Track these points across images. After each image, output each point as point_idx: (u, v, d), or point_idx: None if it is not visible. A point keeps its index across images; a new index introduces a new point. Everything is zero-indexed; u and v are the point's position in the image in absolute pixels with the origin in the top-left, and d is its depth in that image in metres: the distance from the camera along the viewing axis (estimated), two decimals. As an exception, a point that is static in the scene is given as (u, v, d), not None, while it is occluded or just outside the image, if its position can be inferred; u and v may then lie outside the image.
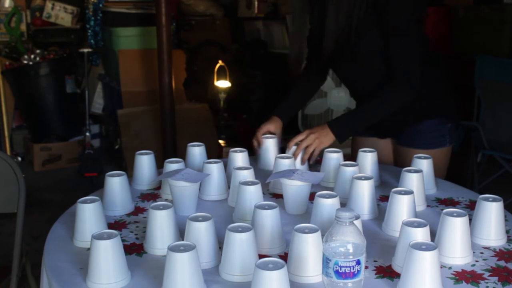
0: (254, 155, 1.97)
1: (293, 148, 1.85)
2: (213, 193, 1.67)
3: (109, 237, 1.19)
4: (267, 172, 1.81)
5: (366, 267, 1.24)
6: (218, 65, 5.01)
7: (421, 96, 1.88)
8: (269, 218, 1.32)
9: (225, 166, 1.76)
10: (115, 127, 4.55)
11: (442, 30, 5.44)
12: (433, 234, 1.31)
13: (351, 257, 1.07)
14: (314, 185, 1.63)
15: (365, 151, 1.80)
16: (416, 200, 1.46)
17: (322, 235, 1.15)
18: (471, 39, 5.27)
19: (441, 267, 1.17)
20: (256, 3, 6.00)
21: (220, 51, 5.52)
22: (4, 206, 1.92)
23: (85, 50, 4.46)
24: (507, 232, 1.42)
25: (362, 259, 1.09)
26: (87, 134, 4.44)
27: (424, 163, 1.73)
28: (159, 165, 1.80)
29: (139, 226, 1.49)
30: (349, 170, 1.65)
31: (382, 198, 1.68)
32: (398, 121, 1.98)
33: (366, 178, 1.54)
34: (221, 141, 4.63)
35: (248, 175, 1.62)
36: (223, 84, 4.93)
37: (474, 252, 1.32)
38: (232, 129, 4.96)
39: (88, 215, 1.38)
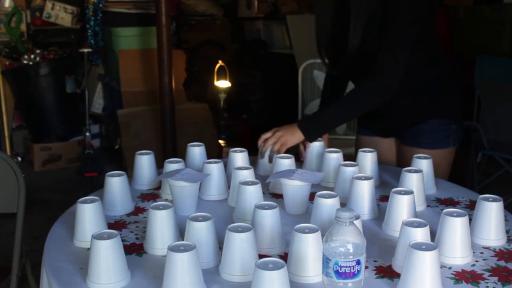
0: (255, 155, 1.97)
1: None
2: (213, 193, 1.67)
3: (109, 237, 1.19)
4: (266, 175, 1.81)
5: (366, 267, 1.23)
6: (218, 65, 5.01)
7: (427, 95, 1.88)
8: (269, 218, 1.32)
9: (225, 166, 1.76)
10: (115, 127, 4.55)
11: (442, 30, 5.44)
12: (433, 234, 1.31)
13: (351, 257, 1.07)
14: (314, 185, 1.63)
15: (365, 151, 1.80)
16: (416, 200, 1.46)
17: (322, 235, 1.15)
18: (471, 39, 5.27)
19: (441, 267, 1.17)
20: (256, 3, 6.01)
21: (220, 51, 5.53)
22: (4, 206, 1.92)
23: (85, 50, 4.47)
24: (507, 232, 1.42)
25: (362, 259, 1.09)
26: (87, 134, 4.44)
27: (424, 163, 1.73)
28: (159, 165, 1.80)
29: (139, 226, 1.49)
30: (349, 170, 1.65)
31: (382, 198, 1.68)
32: (402, 120, 1.97)
33: (366, 178, 1.54)
34: (221, 141, 4.64)
35: (248, 175, 1.62)
36: (223, 84, 4.93)
37: (474, 252, 1.32)
38: (232, 129, 4.96)
39: (88, 215, 1.38)
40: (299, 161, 1.95)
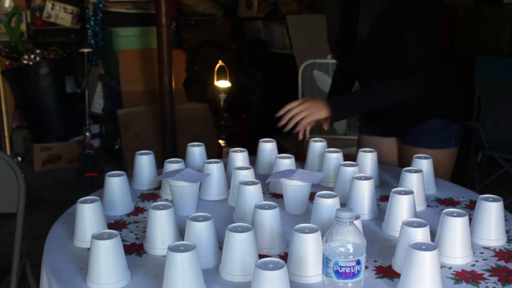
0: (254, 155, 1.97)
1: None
2: (213, 193, 1.67)
3: (109, 237, 1.19)
4: (266, 175, 1.81)
5: (366, 267, 1.23)
6: (218, 65, 5.01)
7: (429, 95, 1.88)
8: (269, 218, 1.32)
9: (225, 166, 1.76)
10: (115, 127, 4.55)
11: (442, 30, 5.42)
12: (433, 234, 1.31)
13: (351, 257, 1.07)
14: (314, 185, 1.63)
15: (365, 151, 1.80)
16: (416, 200, 1.46)
17: (322, 235, 1.15)
18: (471, 39, 5.27)
19: (441, 267, 1.17)
20: (256, 3, 6.01)
21: (220, 51, 5.53)
22: (4, 206, 1.92)
23: (85, 50, 4.47)
24: (507, 232, 1.42)
25: (362, 259, 1.09)
26: (87, 134, 4.44)
27: (424, 163, 1.73)
28: (159, 165, 1.80)
29: (139, 226, 1.49)
30: (349, 170, 1.65)
31: (382, 198, 1.68)
32: (404, 119, 1.97)
33: (366, 178, 1.54)
34: (221, 141, 4.64)
35: (248, 175, 1.62)
36: (223, 84, 4.93)
37: (474, 252, 1.32)
38: (232, 129, 4.96)
39: (88, 215, 1.38)
40: (299, 161, 1.95)
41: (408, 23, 1.81)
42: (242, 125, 5.14)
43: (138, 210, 1.60)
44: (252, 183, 1.50)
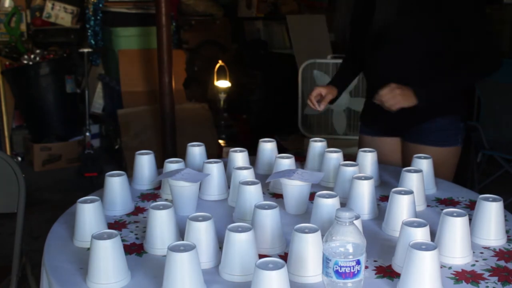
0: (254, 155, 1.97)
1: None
2: (213, 193, 1.67)
3: (109, 237, 1.19)
4: (266, 175, 1.81)
5: (366, 267, 1.24)
6: (218, 65, 5.01)
7: (432, 90, 1.91)
8: (269, 218, 1.32)
9: (225, 166, 1.76)
10: (115, 127, 4.55)
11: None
12: (433, 234, 1.31)
13: (351, 257, 1.07)
14: (314, 185, 1.63)
15: (365, 151, 1.80)
16: (416, 200, 1.46)
17: (322, 235, 1.15)
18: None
19: (441, 267, 1.17)
20: (256, 3, 6.01)
21: (220, 51, 5.52)
22: (4, 206, 1.92)
23: (85, 50, 4.46)
24: (507, 232, 1.42)
25: (362, 259, 1.09)
26: (87, 134, 4.44)
27: (424, 163, 1.73)
28: (159, 165, 1.80)
29: (139, 226, 1.49)
30: (349, 170, 1.65)
31: (382, 198, 1.68)
32: (411, 116, 1.97)
33: (366, 178, 1.54)
34: (221, 141, 4.64)
35: (248, 175, 1.62)
36: (223, 84, 4.93)
37: (474, 252, 1.32)
38: (232, 129, 4.96)
39: (88, 215, 1.38)
40: (299, 161, 1.95)
41: (480, 9, 1.89)
42: (242, 125, 5.14)
43: (138, 210, 1.60)
44: (252, 183, 1.50)
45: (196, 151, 1.87)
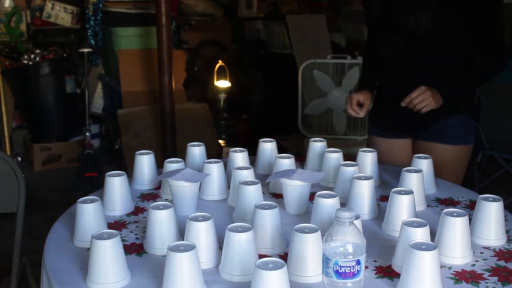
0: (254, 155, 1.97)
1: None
2: (213, 193, 1.67)
3: (109, 237, 1.19)
4: (265, 175, 1.81)
5: (366, 267, 1.24)
6: (218, 65, 5.01)
7: (454, 90, 1.93)
8: (269, 218, 1.32)
9: (225, 166, 1.76)
10: (115, 127, 4.55)
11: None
12: (433, 234, 1.31)
13: (351, 257, 1.07)
14: (314, 185, 1.63)
15: (365, 151, 1.80)
16: (416, 200, 1.46)
17: (322, 235, 1.15)
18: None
19: (441, 267, 1.17)
20: (256, 3, 6.01)
21: (220, 51, 5.52)
22: (4, 206, 1.91)
23: (85, 50, 4.46)
24: (507, 232, 1.42)
25: (362, 259, 1.09)
26: (87, 134, 4.44)
27: (424, 163, 1.73)
28: (159, 165, 1.80)
29: (139, 226, 1.49)
30: (349, 170, 1.65)
31: (382, 198, 1.68)
32: (425, 115, 1.97)
33: (366, 178, 1.54)
34: (221, 141, 4.63)
35: (248, 175, 1.62)
36: (223, 84, 4.93)
37: (474, 252, 1.32)
38: (232, 129, 4.96)
39: (88, 215, 1.38)
40: (299, 161, 1.95)
41: (497, 8, 1.95)
42: (242, 125, 5.14)
43: (138, 210, 1.60)
44: (252, 183, 1.50)
45: (196, 151, 1.87)
